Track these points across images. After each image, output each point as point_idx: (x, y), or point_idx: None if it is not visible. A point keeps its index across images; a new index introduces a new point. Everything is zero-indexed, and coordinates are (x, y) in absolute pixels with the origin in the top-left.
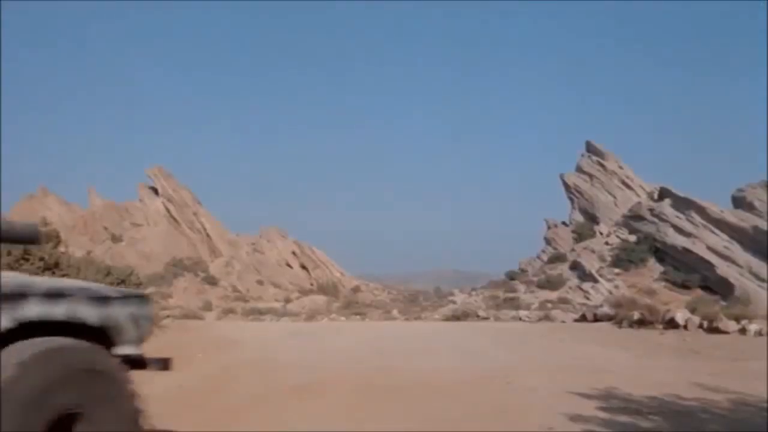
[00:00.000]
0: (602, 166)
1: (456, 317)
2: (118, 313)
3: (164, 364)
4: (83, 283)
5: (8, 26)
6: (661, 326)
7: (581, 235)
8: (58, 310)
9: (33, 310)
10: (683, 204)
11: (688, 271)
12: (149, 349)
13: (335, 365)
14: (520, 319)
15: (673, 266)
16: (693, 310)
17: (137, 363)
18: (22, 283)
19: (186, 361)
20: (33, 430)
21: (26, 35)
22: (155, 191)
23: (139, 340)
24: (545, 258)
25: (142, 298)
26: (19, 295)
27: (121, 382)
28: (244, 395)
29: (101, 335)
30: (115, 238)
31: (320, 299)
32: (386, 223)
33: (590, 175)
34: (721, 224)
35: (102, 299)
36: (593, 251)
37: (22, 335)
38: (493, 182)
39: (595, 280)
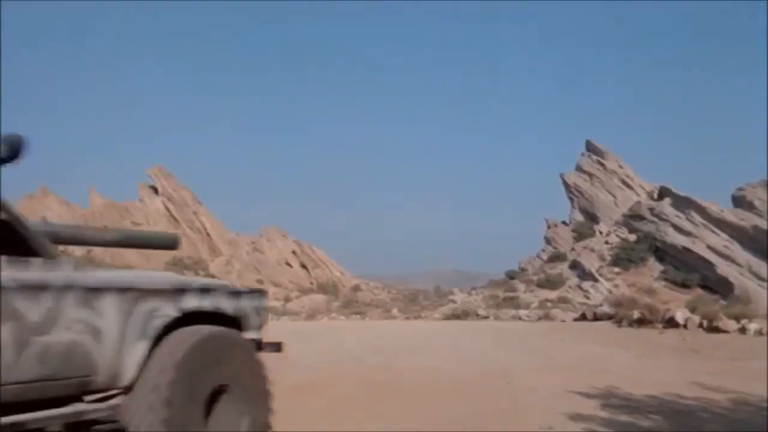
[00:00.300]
0: (602, 165)
1: (456, 316)
2: (246, 305)
3: (278, 347)
4: (222, 281)
5: (8, 26)
6: (661, 325)
7: (581, 234)
8: (206, 303)
9: (190, 302)
10: (683, 203)
11: (688, 270)
12: None
13: (335, 364)
14: (520, 318)
15: (673, 265)
16: (693, 310)
17: (257, 346)
18: (183, 281)
19: None
20: (199, 399)
21: (26, 35)
22: (155, 191)
23: (260, 327)
24: (545, 257)
25: (262, 293)
26: (181, 290)
27: (256, 360)
28: None
29: (234, 323)
30: None
31: (320, 298)
32: (386, 223)
33: (590, 175)
34: (721, 223)
35: (235, 294)
36: (593, 250)
37: (182, 323)
38: (493, 182)
39: (595, 280)
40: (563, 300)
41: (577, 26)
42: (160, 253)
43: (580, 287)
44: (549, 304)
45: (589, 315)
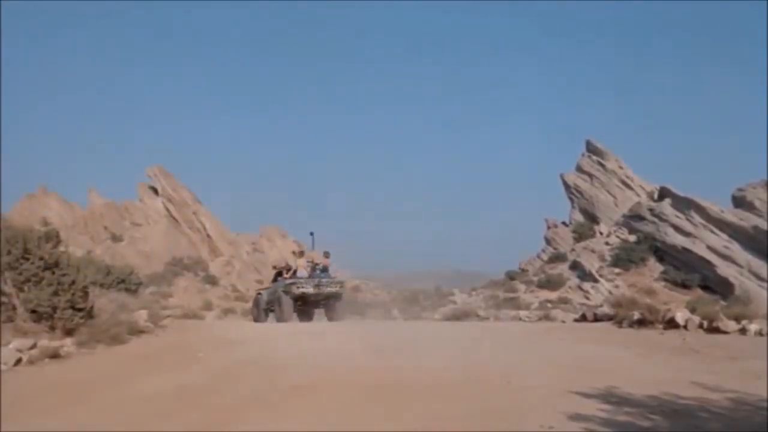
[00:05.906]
0: (602, 165)
1: (456, 317)
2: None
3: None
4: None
5: (8, 26)
6: (661, 326)
7: (581, 234)
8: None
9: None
10: (683, 203)
11: (688, 270)
12: (148, 350)
13: (335, 365)
14: (520, 318)
15: (673, 266)
16: (693, 310)
17: None
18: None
19: (186, 361)
20: None
21: (25, 33)
22: (155, 191)
23: None
24: (545, 258)
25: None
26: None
27: None
28: (244, 395)
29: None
30: (116, 238)
31: None
32: (386, 222)
33: (590, 175)
34: (721, 224)
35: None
36: (593, 251)
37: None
38: (492, 182)
39: (595, 280)
40: (563, 300)
41: (578, 25)
42: (161, 252)
43: (580, 288)
44: (549, 305)
45: (590, 315)
